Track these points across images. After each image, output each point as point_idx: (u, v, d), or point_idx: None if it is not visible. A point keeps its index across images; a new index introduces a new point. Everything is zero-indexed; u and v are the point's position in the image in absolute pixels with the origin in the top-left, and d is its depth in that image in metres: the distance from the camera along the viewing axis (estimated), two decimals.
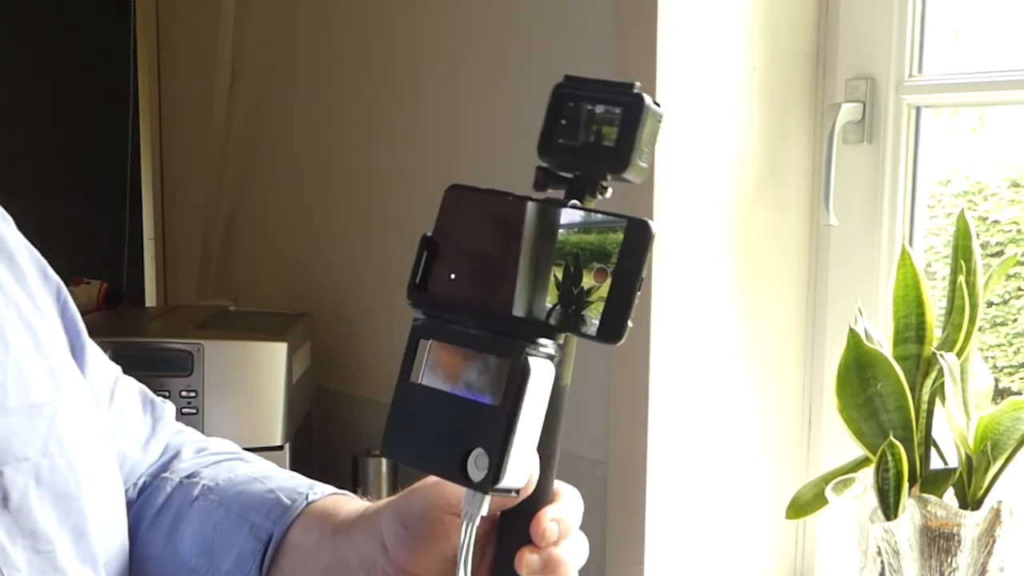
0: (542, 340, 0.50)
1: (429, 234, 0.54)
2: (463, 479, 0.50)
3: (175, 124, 2.18)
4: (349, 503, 0.69)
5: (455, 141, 1.45)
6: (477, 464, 0.49)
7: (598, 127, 0.52)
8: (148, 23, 2.16)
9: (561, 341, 0.51)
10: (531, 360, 0.49)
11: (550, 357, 0.51)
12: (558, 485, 0.58)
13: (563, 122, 0.53)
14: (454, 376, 0.51)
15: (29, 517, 0.61)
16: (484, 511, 0.52)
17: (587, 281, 0.50)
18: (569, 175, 0.53)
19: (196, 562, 0.71)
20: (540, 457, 0.53)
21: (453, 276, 0.53)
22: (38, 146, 2.70)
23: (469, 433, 0.50)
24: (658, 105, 0.52)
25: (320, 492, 0.71)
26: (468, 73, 1.42)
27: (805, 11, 1.23)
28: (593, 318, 0.50)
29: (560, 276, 0.51)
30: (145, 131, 2.18)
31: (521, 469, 0.50)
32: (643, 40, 1.14)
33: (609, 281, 0.49)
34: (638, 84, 0.52)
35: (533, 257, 0.52)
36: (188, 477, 0.76)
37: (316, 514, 0.69)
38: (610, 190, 0.53)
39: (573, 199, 0.52)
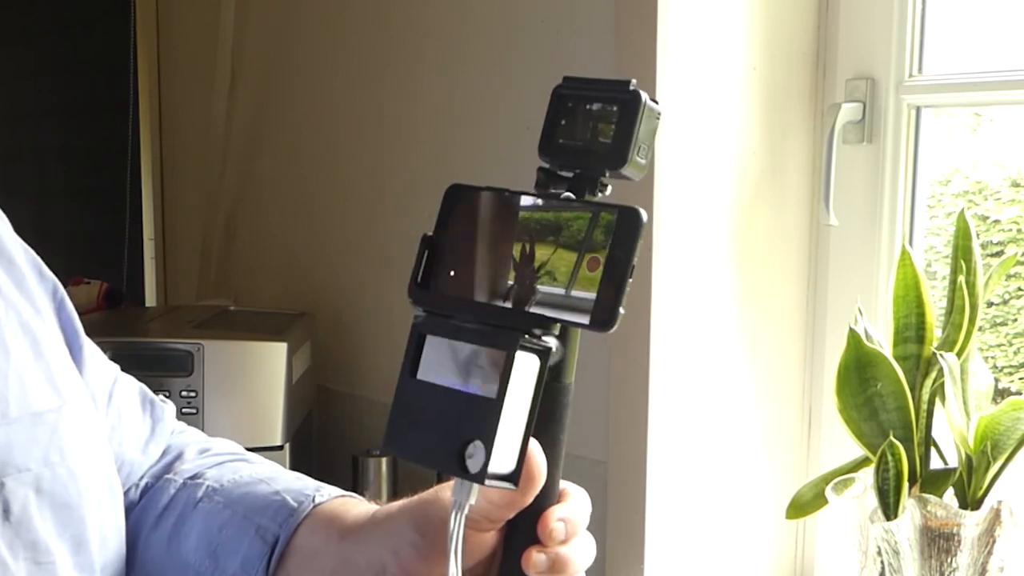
0: (536, 331, 0.51)
1: (429, 233, 0.55)
2: (460, 471, 0.51)
3: (175, 124, 2.17)
4: (357, 506, 0.69)
5: (455, 141, 1.45)
6: (472, 455, 0.50)
7: (596, 125, 0.53)
8: (148, 23, 2.16)
9: (556, 332, 0.51)
10: (519, 351, 0.50)
11: (543, 348, 0.51)
12: (566, 485, 0.58)
13: (563, 122, 0.54)
14: (452, 371, 0.52)
15: (30, 528, 0.61)
16: (472, 500, 0.52)
17: (580, 271, 0.51)
18: (569, 174, 0.53)
19: (201, 564, 0.70)
20: (547, 456, 0.54)
21: (452, 273, 0.54)
22: (38, 146, 2.70)
23: (464, 425, 0.51)
24: (656, 102, 0.52)
25: (327, 494, 0.71)
26: (468, 73, 1.42)
27: (805, 11, 1.23)
28: (585, 307, 0.50)
29: (554, 267, 0.52)
30: (145, 131, 2.17)
31: (510, 458, 0.51)
32: (643, 40, 1.14)
33: (601, 269, 0.50)
34: (634, 81, 0.52)
35: (525, 249, 0.52)
36: (192, 478, 0.76)
37: (323, 517, 0.68)
38: (609, 187, 0.53)
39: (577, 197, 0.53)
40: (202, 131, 1.98)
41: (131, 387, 0.80)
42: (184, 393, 1.31)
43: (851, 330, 1.03)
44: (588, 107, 0.53)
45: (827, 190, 1.18)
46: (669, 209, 1.16)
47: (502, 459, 0.51)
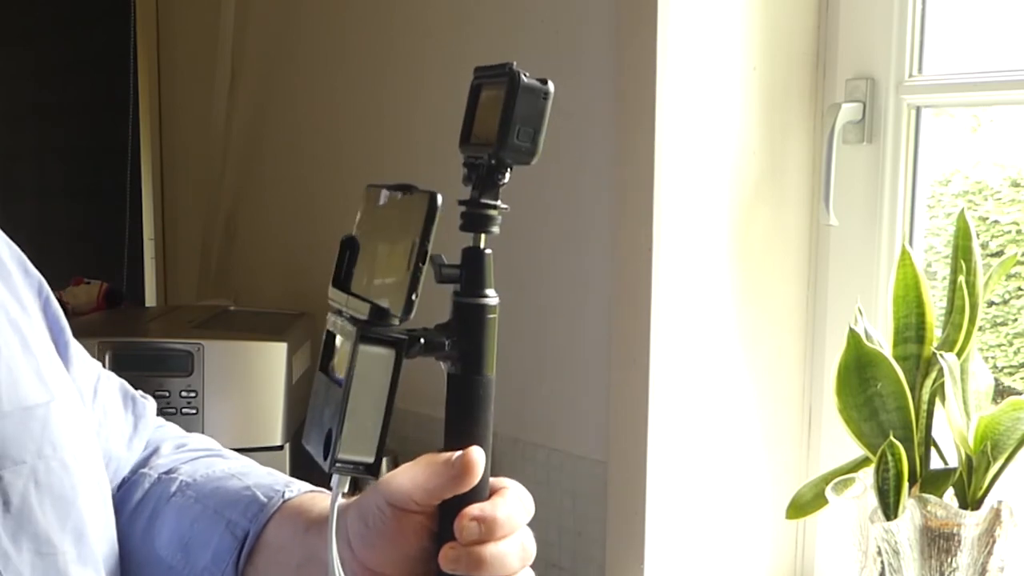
0: (380, 323, 0.52)
1: (351, 234, 0.56)
2: (322, 459, 0.52)
3: (175, 124, 2.17)
4: (324, 500, 0.70)
5: (455, 141, 1.45)
6: (331, 443, 0.52)
7: (490, 112, 0.53)
8: (148, 23, 2.16)
9: (397, 322, 0.52)
10: (360, 343, 0.51)
11: (392, 339, 0.52)
12: (505, 483, 0.58)
13: (475, 113, 0.55)
14: (340, 365, 0.54)
15: (31, 519, 0.61)
16: (345, 488, 0.53)
17: (400, 260, 0.51)
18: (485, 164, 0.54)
19: (173, 558, 0.71)
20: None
21: (353, 271, 0.56)
22: (38, 146, 2.70)
23: (328, 415, 0.52)
24: (542, 82, 0.52)
25: (296, 489, 0.72)
26: (469, 73, 1.41)
27: (805, 11, 1.23)
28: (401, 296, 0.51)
29: (394, 259, 0.52)
30: (145, 131, 2.17)
31: (367, 448, 0.52)
32: (643, 40, 1.14)
33: (407, 257, 0.51)
34: (513, 63, 0.52)
35: (385, 243, 0.54)
36: (166, 473, 0.77)
37: (291, 511, 0.70)
38: (508, 173, 0.53)
39: (477, 187, 0.53)
40: (202, 131, 1.98)
41: (113, 384, 0.81)
42: (184, 393, 1.31)
43: (851, 330, 1.03)
44: (484, 95, 0.53)
45: (827, 190, 1.18)
46: (669, 209, 1.15)
47: (356, 448, 0.52)
